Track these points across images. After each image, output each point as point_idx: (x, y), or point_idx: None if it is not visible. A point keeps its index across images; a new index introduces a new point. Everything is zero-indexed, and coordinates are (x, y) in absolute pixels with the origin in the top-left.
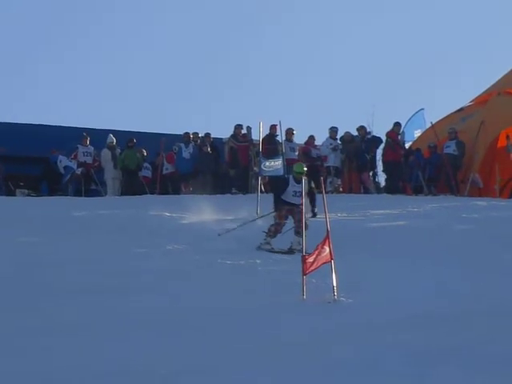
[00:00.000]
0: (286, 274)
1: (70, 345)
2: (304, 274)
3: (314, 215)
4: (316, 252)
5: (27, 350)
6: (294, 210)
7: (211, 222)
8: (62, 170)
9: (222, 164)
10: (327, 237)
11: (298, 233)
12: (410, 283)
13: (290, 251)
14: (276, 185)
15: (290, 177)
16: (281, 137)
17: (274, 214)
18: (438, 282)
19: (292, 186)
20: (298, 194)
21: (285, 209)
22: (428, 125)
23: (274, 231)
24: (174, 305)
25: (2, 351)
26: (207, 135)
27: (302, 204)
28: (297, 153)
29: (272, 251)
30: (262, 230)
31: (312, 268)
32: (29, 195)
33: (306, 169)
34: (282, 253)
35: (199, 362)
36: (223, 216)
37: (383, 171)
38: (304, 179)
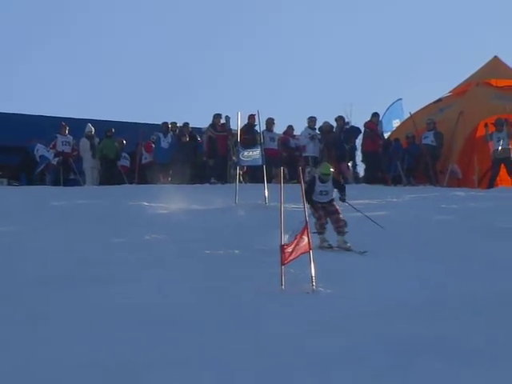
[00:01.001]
0: (265, 264)
1: (45, 336)
2: (282, 263)
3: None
4: (294, 242)
5: (4, 341)
6: (327, 208)
7: (189, 212)
8: (38, 159)
9: (201, 154)
10: (306, 227)
11: (340, 232)
12: (389, 274)
13: (348, 249)
14: (307, 186)
15: (316, 176)
16: (259, 127)
17: (311, 210)
18: (418, 272)
19: (318, 186)
20: (324, 193)
21: (318, 206)
22: (406, 115)
23: (320, 226)
24: (151, 296)
25: None
26: (185, 125)
27: (333, 204)
28: (276, 142)
29: (330, 247)
30: (244, 219)
31: (290, 258)
32: (9, 184)
33: (332, 170)
34: (345, 249)
35: (174, 354)
36: (202, 206)
37: (362, 161)
38: (330, 180)
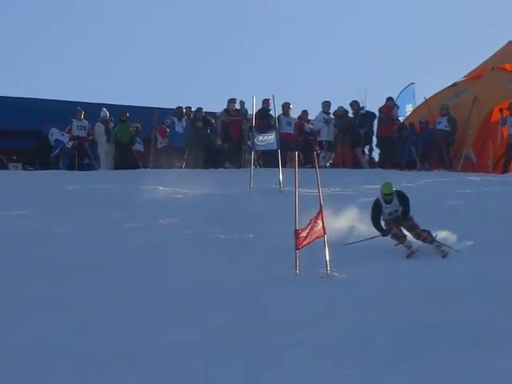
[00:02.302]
0: (279, 249)
1: (56, 321)
2: (297, 248)
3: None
4: (309, 227)
5: (12, 325)
6: (403, 224)
7: (204, 197)
8: (53, 143)
9: (215, 138)
10: (320, 211)
11: (429, 243)
12: (403, 259)
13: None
14: (372, 213)
15: (380, 200)
16: (274, 111)
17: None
18: (432, 258)
19: (385, 208)
20: (394, 214)
21: (390, 225)
22: (419, 99)
23: (399, 237)
24: (164, 280)
25: None
26: (199, 110)
27: (409, 218)
28: (292, 127)
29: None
30: (258, 203)
31: (305, 243)
32: (24, 169)
33: (394, 189)
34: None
35: (183, 339)
36: (216, 190)
37: (376, 146)
38: (394, 197)
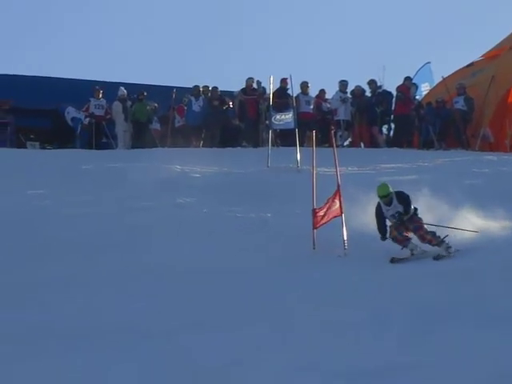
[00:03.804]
0: (297, 228)
1: (71, 300)
2: (314, 227)
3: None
4: (326, 206)
5: (27, 302)
6: (409, 226)
7: (221, 175)
8: (70, 122)
9: (232, 117)
10: (338, 191)
11: (434, 245)
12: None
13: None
14: (376, 217)
15: (381, 204)
16: (292, 90)
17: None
18: (448, 237)
19: (386, 211)
20: (396, 216)
21: (391, 229)
22: (436, 78)
23: (399, 240)
24: (180, 260)
25: (3, 302)
26: (214, 89)
27: (414, 220)
28: (312, 106)
29: (422, 254)
30: (276, 182)
31: (322, 222)
32: (41, 148)
33: (391, 190)
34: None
35: (200, 319)
36: (234, 169)
37: (393, 124)
38: (393, 198)
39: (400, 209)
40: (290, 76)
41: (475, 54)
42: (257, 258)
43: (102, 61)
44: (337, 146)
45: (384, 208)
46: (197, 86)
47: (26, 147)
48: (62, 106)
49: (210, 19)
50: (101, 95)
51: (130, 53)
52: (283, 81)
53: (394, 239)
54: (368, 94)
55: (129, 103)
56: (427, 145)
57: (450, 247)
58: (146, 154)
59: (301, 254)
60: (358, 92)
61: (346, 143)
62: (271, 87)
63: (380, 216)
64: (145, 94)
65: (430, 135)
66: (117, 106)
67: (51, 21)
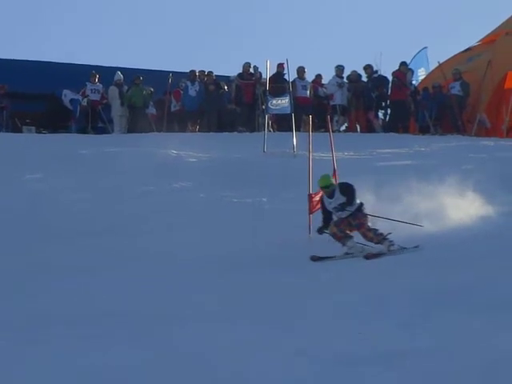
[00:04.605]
0: (293, 213)
1: (70, 285)
2: (310, 212)
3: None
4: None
5: (27, 289)
6: (352, 223)
7: (217, 160)
8: (69, 105)
9: (228, 102)
10: (334, 175)
11: (378, 242)
12: (416, 221)
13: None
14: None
15: (324, 196)
16: (288, 75)
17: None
18: (443, 217)
19: (329, 204)
20: (339, 209)
21: (335, 224)
22: (432, 64)
23: (338, 237)
24: (177, 246)
25: (8, 290)
26: (209, 73)
27: (357, 217)
28: (308, 91)
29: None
30: (272, 167)
31: (318, 206)
32: (37, 132)
33: (333, 182)
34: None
35: (199, 306)
36: (230, 154)
37: (389, 109)
38: (336, 190)
39: (343, 200)
40: (287, 61)
41: (472, 39)
42: (253, 242)
43: (98, 45)
44: (333, 131)
45: (326, 201)
46: (193, 71)
47: (21, 131)
48: (58, 90)
49: (206, 4)
50: (97, 80)
51: (126, 37)
52: (280, 66)
53: (333, 236)
54: (364, 79)
55: (125, 88)
56: (423, 130)
57: (393, 244)
58: (142, 138)
59: (297, 239)
60: (354, 77)
61: (342, 128)
62: (268, 72)
63: (322, 208)
64: (141, 78)
65: (426, 120)
66: (113, 91)
67: (48, 4)
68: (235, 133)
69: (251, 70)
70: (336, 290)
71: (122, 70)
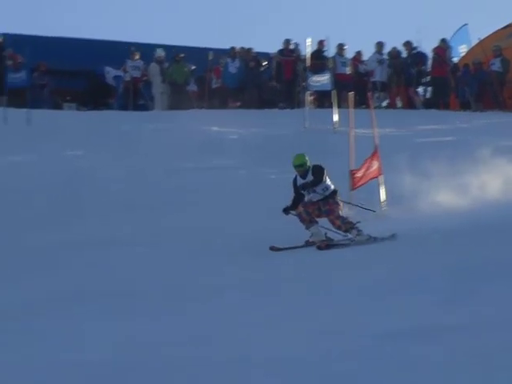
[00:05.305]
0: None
1: (114, 258)
2: (352, 188)
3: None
4: (364, 167)
5: (72, 263)
6: (321, 208)
7: (258, 137)
8: (112, 82)
9: (269, 79)
10: (375, 152)
11: (346, 230)
12: (456, 197)
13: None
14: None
15: (297, 176)
16: (329, 52)
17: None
18: (486, 194)
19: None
20: (310, 191)
21: (303, 205)
22: (473, 40)
23: (303, 219)
24: (217, 222)
25: (47, 264)
26: (249, 50)
27: (328, 203)
28: (348, 68)
29: (328, 242)
30: (313, 143)
31: (360, 183)
32: (78, 109)
33: (307, 161)
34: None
35: (238, 280)
36: (270, 130)
37: (430, 86)
38: (309, 171)
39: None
40: (327, 38)
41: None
42: (294, 218)
43: (137, 22)
44: (374, 108)
45: (299, 181)
46: (233, 48)
47: (62, 109)
48: (98, 67)
49: None
50: (137, 57)
51: (166, 14)
52: (320, 43)
53: (299, 216)
54: (404, 55)
55: (166, 65)
56: (464, 106)
57: (361, 233)
58: (182, 115)
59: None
60: (394, 53)
61: (383, 104)
62: (308, 49)
63: (294, 188)
64: (181, 55)
65: (467, 97)
66: (154, 68)
67: None
68: (276, 109)
69: (291, 47)
70: (378, 264)
71: (162, 46)
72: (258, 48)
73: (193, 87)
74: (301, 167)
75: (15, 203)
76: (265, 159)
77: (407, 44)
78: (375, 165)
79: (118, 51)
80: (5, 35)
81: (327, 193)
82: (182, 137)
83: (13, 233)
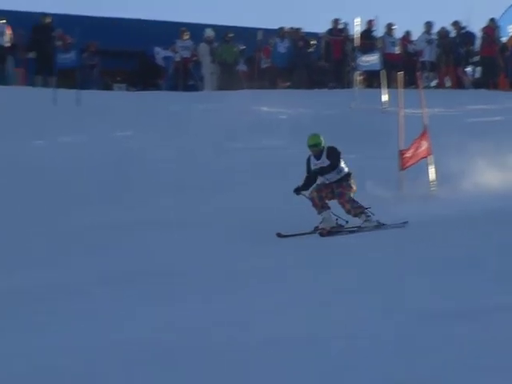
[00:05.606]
0: (383, 170)
1: (164, 240)
2: (401, 168)
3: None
4: (413, 147)
5: (122, 243)
6: (334, 190)
7: (307, 116)
8: (162, 62)
9: (318, 58)
10: (425, 132)
11: (355, 215)
12: (505, 178)
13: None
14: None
15: (311, 156)
16: (377, 32)
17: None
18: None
19: (314, 165)
20: (319, 172)
21: (317, 190)
22: None
23: (315, 204)
24: (266, 203)
25: (98, 244)
26: (298, 30)
27: (341, 185)
28: (397, 47)
29: (338, 228)
30: (361, 123)
31: (410, 163)
32: (127, 90)
33: (322, 142)
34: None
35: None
36: (319, 110)
37: (479, 66)
38: (324, 152)
39: (327, 164)
40: (376, 18)
41: None
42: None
43: (188, 2)
44: (423, 88)
45: (313, 161)
46: (282, 28)
47: (112, 89)
48: (148, 47)
49: None
50: (187, 37)
51: None
52: (369, 22)
53: (312, 201)
54: (452, 35)
55: (215, 45)
56: None
57: (370, 219)
58: (232, 95)
59: (387, 196)
60: (443, 33)
61: (431, 84)
62: (357, 29)
63: (308, 168)
64: (231, 35)
65: None
66: (203, 48)
67: None
68: (325, 89)
69: (340, 27)
70: (428, 242)
71: (212, 27)
72: (307, 28)
73: (242, 67)
74: (315, 147)
75: (65, 184)
76: None
77: (456, 24)
78: (424, 145)
79: (167, 31)
80: (54, 16)
81: (341, 175)
82: (231, 117)
83: (63, 213)
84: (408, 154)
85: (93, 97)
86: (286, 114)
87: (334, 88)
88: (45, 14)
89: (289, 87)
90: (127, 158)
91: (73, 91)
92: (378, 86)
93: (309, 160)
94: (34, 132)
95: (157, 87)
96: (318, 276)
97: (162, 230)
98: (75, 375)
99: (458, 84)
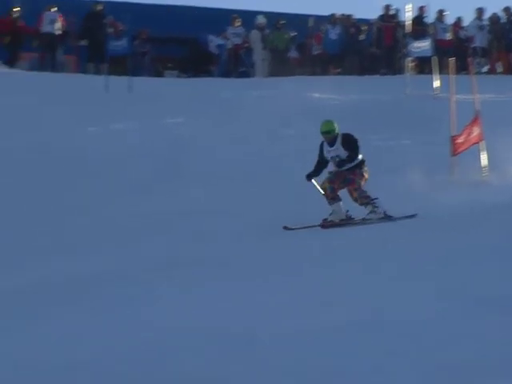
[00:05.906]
0: (435, 156)
1: (218, 227)
2: (453, 154)
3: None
4: (465, 132)
5: (179, 229)
6: (346, 176)
7: (361, 103)
8: (215, 50)
9: (369, 45)
10: (476, 117)
11: (362, 204)
12: None
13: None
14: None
15: (324, 143)
16: (429, 18)
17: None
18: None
19: (328, 152)
20: (337, 159)
21: (329, 181)
22: None
23: (328, 196)
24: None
25: (154, 230)
26: (349, 16)
27: (354, 172)
28: (448, 34)
29: (340, 223)
30: (413, 109)
31: (462, 148)
32: (178, 76)
33: (335, 128)
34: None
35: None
36: (371, 96)
37: None
38: (338, 138)
39: (341, 153)
40: (428, 4)
41: None
42: (394, 182)
43: None
44: (474, 73)
45: (326, 147)
46: (333, 14)
47: (163, 76)
48: (200, 34)
49: None
50: (238, 24)
51: None
52: (420, 9)
53: (324, 191)
54: (503, 21)
55: (266, 32)
56: None
57: (376, 211)
58: (283, 82)
59: (439, 181)
60: (494, 19)
61: (483, 70)
62: (408, 15)
63: (320, 154)
64: (282, 22)
65: None
66: (255, 35)
67: None
68: (376, 76)
69: (391, 13)
70: (478, 228)
71: (263, 14)
72: (358, 15)
73: (294, 54)
74: (328, 134)
75: (117, 170)
76: (366, 125)
77: (507, 10)
78: (476, 131)
79: (219, 18)
80: (105, 3)
81: (355, 162)
82: (283, 104)
83: (115, 199)
84: (460, 140)
85: (144, 83)
86: (338, 100)
87: (386, 74)
88: (96, 2)
89: (340, 74)
90: (179, 145)
91: (124, 78)
92: (430, 72)
93: (322, 146)
94: (87, 119)
95: (208, 74)
96: (367, 267)
97: (218, 218)
98: (127, 361)
99: (510, 69)
